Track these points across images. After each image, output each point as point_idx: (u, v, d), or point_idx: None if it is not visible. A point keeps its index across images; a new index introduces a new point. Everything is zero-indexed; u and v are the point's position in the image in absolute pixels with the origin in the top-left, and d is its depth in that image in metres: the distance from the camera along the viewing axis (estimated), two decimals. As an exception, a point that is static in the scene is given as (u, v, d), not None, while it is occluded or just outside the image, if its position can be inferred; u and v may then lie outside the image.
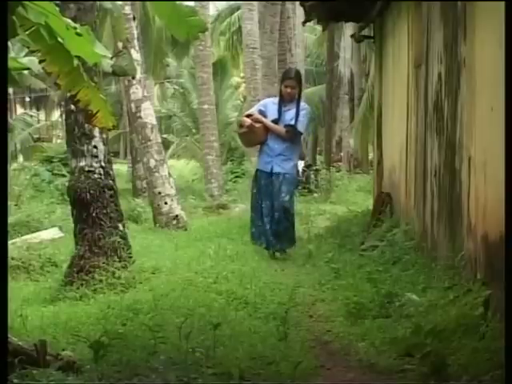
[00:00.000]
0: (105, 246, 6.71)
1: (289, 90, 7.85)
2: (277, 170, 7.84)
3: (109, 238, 6.73)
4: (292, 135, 7.89)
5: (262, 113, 8.01)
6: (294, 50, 19.42)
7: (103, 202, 6.81)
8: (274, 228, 7.83)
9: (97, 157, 6.85)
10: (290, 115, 7.89)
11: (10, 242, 8.25)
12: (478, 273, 4.83)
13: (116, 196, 7.01)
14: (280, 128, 7.86)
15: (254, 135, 7.91)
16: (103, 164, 6.88)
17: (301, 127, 7.91)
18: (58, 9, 3.99)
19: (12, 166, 17.93)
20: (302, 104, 8.12)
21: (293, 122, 7.85)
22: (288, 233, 7.96)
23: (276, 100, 8.12)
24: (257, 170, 8.14)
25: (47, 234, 10.05)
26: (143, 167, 12.37)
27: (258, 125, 7.83)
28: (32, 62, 4.77)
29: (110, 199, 6.88)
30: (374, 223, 8.86)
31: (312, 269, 7.21)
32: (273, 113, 7.96)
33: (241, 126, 8.05)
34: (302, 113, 7.89)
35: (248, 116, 8.04)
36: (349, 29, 19.56)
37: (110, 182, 6.95)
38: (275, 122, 7.90)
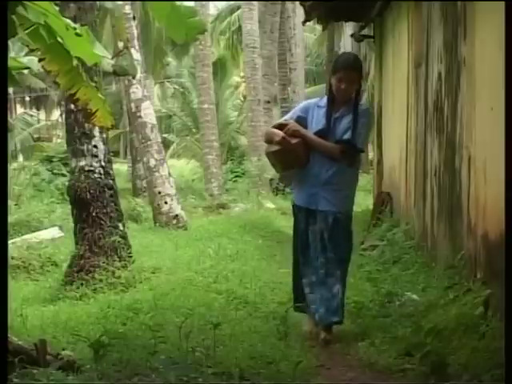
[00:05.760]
0: (105, 246, 6.72)
1: (343, 85, 4.91)
2: (324, 206, 4.96)
3: (109, 237, 6.74)
4: (348, 155, 4.97)
5: (300, 121, 5.10)
6: (293, 50, 19.44)
7: (103, 202, 6.82)
8: (314, 295, 5.01)
9: (97, 156, 6.86)
10: (344, 124, 4.97)
11: (10, 242, 8.25)
12: (478, 272, 4.83)
13: (116, 195, 7.02)
14: (330, 145, 4.94)
15: (290, 155, 5.02)
16: (103, 163, 6.89)
17: (361, 143, 5.00)
18: (57, 8, 4.00)
19: (12, 166, 17.91)
20: (363, 107, 5.12)
21: (349, 136, 4.93)
22: (334, 304, 4.94)
23: (323, 102, 5.10)
24: (294, 207, 5.25)
25: (47, 234, 10.06)
26: (143, 167, 12.37)
27: (294, 140, 4.97)
28: (32, 61, 4.77)
29: (109, 199, 6.89)
30: (374, 223, 8.88)
31: (312, 268, 7.20)
32: (318, 121, 5.03)
33: (269, 141, 5.15)
34: (361, 121, 4.95)
35: (280, 126, 5.11)
36: (349, 28, 19.57)
37: (110, 181, 6.96)
38: (322, 134, 4.98)
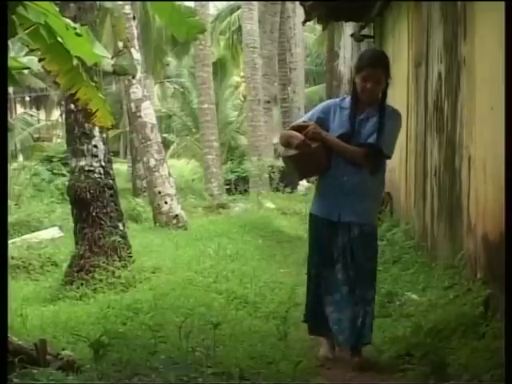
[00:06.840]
0: (105, 246, 6.72)
1: (369, 84, 4.42)
2: (347, 217, 4.46)
3: (109, 237, 6.75)
4: (373, 160, 4.47)
5: (320, 122, 4.57)
6: (293, 50, 19.47)
7: (103, 202, 6.82)
8: (338, 314, 4.49)
9: (97, 156, 6.86)
10: (369, 127, 4.48)
11: (10, 242, 8.25)
12: (478, 272, 4.83)
13: (116, 195, 7.02)
14: (353, 149, 4.46)
15: (310, 161, 4.55)
16: (103, 163, 6.89)
17: (387, 148, 4.50)
18: (57, 8, 4.00)
19: (12, 166, 17.92)
20: (389, 109, 4.57)
21: (373, 140, 4.43)
22: (358, 325, 4.43)
23: (345, 102, 4.61)
24: (311, 216, 4.70)
25: (47, 234, 10.06)
26: (143, 166, 12.37)
27: (315, 144, 4.49)
28: (32, 61, 4.78)
29: (109, 198, 6.89)
30: (374, 222, 8.86)
31: (312, 268, 7.20)
32: (341, 123, 4.54)
33: (287, 144, 4.63)
34: (389, 124, 4.47)
35: (299, 129, 4.59)
36: (349, 28, 19.57)
37: (110, 181, 6.96)
38: (346, 138, 4.48)
